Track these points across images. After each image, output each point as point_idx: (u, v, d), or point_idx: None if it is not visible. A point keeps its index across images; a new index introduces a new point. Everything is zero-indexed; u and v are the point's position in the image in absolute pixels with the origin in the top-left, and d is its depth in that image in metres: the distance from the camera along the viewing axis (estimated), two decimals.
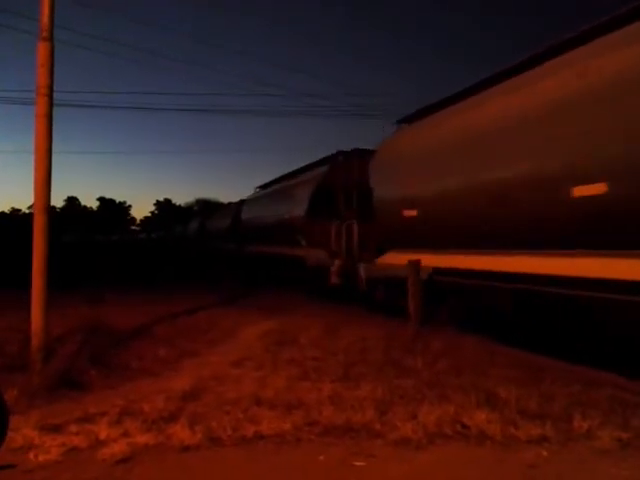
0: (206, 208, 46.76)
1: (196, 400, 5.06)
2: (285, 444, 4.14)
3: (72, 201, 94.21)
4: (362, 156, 13.98)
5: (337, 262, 13.59)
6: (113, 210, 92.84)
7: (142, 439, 4.13)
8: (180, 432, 4.23)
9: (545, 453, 4.02)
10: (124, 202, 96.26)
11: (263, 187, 25.30)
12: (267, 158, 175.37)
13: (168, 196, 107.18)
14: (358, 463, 3.88)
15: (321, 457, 3.96)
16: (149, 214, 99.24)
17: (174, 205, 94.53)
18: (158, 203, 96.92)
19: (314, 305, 12.44)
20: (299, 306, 11.88)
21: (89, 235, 74.55)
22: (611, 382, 5.93)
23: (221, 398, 5.09)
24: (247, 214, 24.71)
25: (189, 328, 9.09)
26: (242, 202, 27.45)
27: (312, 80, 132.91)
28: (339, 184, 14.49)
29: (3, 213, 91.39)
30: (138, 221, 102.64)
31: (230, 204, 32.87)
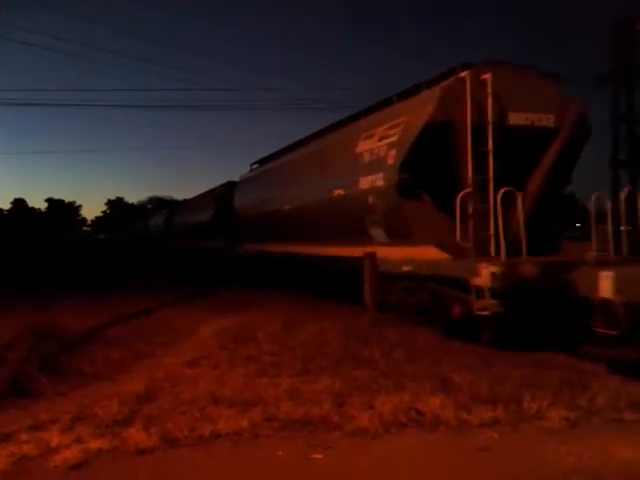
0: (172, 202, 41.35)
1: (151, 402, 4.98)
2: (243, 441, 4.13)
3: (19, 203, 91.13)
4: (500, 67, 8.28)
5: (487, 267, 7.01)
6: (62, 211, 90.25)
7: (95, 444, 4.05)
8: (135, 435, 4.16)
9: (496, 435, 4.15)
10: (74, 202, 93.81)
11: (264, 162, 18.06)
12: (222, 155, 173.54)
13: (120, 195, 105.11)
14: (316, 456, 3.90)
15: (279, 452, 3.97)
16: (101, 214, 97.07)
17: (127, 204, 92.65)
18: (110, 202, 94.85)
19: (274, 300, 12.39)
20: (258, 302, 11.82)
21: (36, 237, 71.76)
22: (560, 363, 6.16)
23: (177, 399, 5.03)
24: (245, 199, 18.12)
25: (144, 329, 8.94)
26: (232, 185, 20.99)
27: (264, 74, 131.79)
28: (461, 123, 7.94)
29: None
30: (89, 221, 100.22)
31: (213, 190, 24.43)
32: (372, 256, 9.43)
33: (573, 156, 8.57)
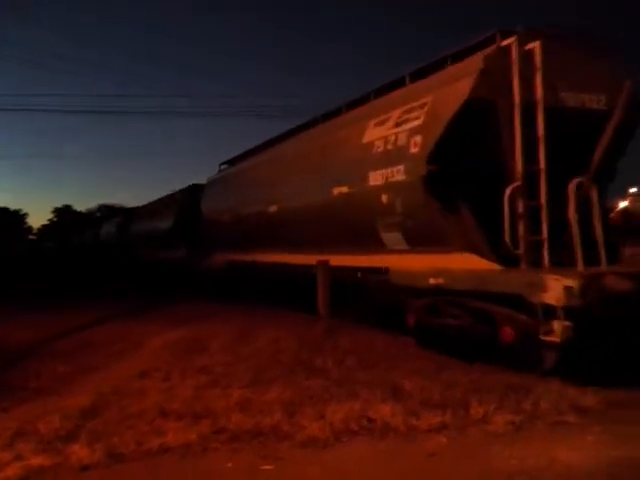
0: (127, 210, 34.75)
1: (97, 417, 4.84)
2: (191, 455, 4.06)
3: None
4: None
5: (558, 280, 5.57)
6: (7, 219, 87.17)
7: (37, 461, 3.90)
8: (79, 451, 4.04)
9: (444, 440, 4.21)
10: (19, 210, 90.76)
11: (237, 160, 16.09)
12: (172, 163, 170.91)
13: (68, 202, 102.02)
14: (266, 467, 3.87)
15: (229, 464, 3.92)
16: (47, 222, 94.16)
17: (75, 211, 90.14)
18: (57, 210, 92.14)
19: (229, 311, 12.25)
20: (215, 314, 11.67)
21: None
22: (508, 369, 6.29)
23: (124, 412, 4.91)
24: (215, 204, 16.14)
25: (93, 341, 8.70)
26: (197, 188, 18.71)
27: (213, 81, 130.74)
28: (504, 102, 6.61)
29: None
30: (35, 230, 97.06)
31: (173, 195, 22.17)
32: (325, 263, 9.49)
33: (622, 145, 7.22)
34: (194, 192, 18.62)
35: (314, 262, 9.53)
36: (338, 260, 9.26)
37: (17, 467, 3.81)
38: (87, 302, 14.08)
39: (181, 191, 20.92)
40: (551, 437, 4.21)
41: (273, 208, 11.84)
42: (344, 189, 8.99)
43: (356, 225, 8.85)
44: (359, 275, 9.07)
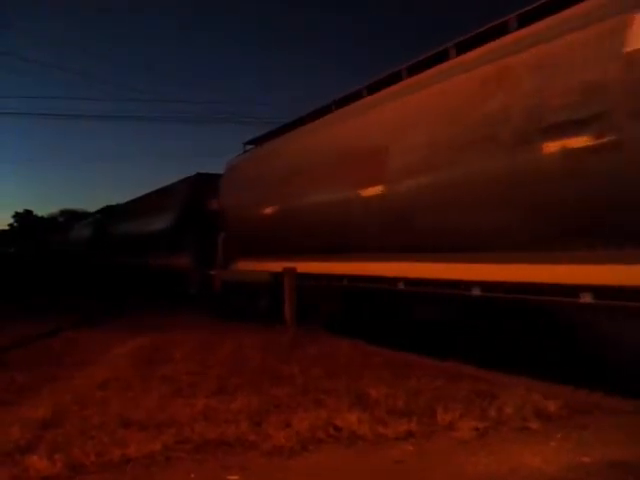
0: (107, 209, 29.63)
1: (57, 427, 4.70)
2: (154, 465, 3.96)
3: None
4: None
5: None
6: None
7: None
8: (38, 463, 3.90)
9: (411, 448, 4.22)
10: None
11: (277, 134, 12.21)
12: (134, 168, 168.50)
13: (28, 207, 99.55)
14: (231, 477, 3.81)
15: (192, 475, 3.84)
16: (7, 227, 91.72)
17: (36, 216, 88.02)
18: (17, 215, 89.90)
19: (193, 318, 12.10)
20: (177, 321, 11.50)
21: None
22: (472, 375, 6.37)
23: (85, 423, 4.78)
24: (242, 192, 12.37)
25: (50, 351, 8.47)
26: (203, 178, 15.40)
27: (176, 85, 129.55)
28: None
29: None
30: None
31: (173, 186, 17.91)
32: (291, 270, 9.47)
33: None
34: (201, 183, 15.19)
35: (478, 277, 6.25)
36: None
37: None
38: (49, 310, 13.72)
39: (184, 182, 16.69)
40: (515, 443, 4.25)
41: (376, 191, 7.93)
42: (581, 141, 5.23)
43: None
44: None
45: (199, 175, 15.95)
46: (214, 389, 5.85)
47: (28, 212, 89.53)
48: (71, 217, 60.06)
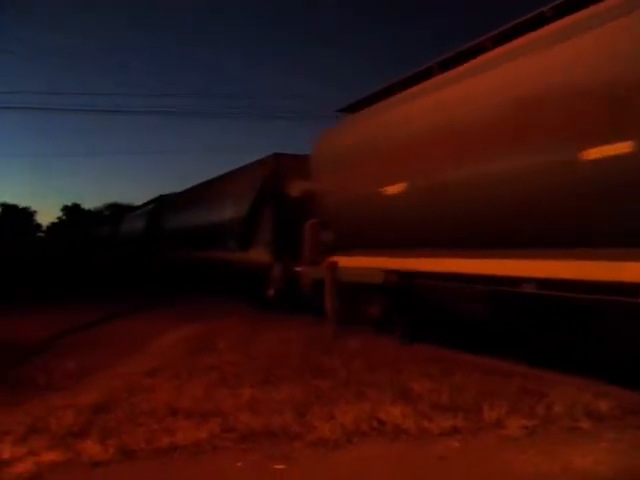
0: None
1: (108, 413, 4.84)
2: (201, 453, 4.04)
3: None
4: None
5: None
6: (16, 216, 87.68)
7: (49, 456, 3.92)
8: (90, 447, 4.04)
9: (456, 444, 4.17)
10: (28, 207, 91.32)
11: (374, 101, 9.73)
12: (178, 160, 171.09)
13: (76, 201, 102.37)
14: (277, 466, 3.85)
15: (239, 463, 3.90)
16: (56, 220, 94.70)
17: (83, 210, 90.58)
18: (66, 208, 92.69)
19: (236, 309, 12.25)
20: (216, 310, 11.67)
21: None
22: (520, 372, 6.25)
23: (134, 410, 4.91)
24: (349, 171, 9.77)
25: (100, 339, 8.73)
26: (279, 159, 13.34)
27: (223, 81, 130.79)
28: None
29: None
30: (44, 227, 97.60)
31: (245, 170, 15.13)
32: (333, 265, 9.46)
33: None
34: (280, 165, 12.87)
35: None
36: None
37: (30, 462, 3.82)
38: (97, 300, 14.09)
39: (260, 163, 13.95)
40: (565, 443, 4.16)
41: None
42: None
43: None
44: None
45: (277, 155, 13.22)
46: (258, 380, 5.92)
47: (76, 205, 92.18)
48: (117, 210, 61.49)
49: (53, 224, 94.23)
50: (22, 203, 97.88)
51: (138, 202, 47.06)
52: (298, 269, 11.28)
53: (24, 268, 28.00)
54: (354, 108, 10.45)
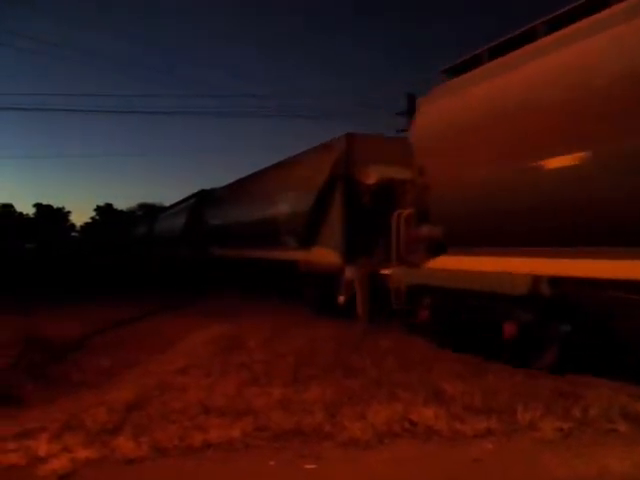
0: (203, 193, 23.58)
1: (141, 411, 4.90)
2: (234, 451, 4.07)
3: (6, 208, 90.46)
4: None
5: None
6: (50, 216, 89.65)
7: (84, 453, 3.98)
8: (124, 444, 4.09)
9: (490, 446, 4.12)
10: (62, 208, 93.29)
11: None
12: (209, 160, 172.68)
13: (109, 201, 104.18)
14: (309, 466, 3.86)
15: (271, 462, 3.91)
16: (90, 220, 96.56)
17: (116, 210, 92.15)
18: (99, 208, 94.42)
19: (262, 307, 12.28)
20: (247, 309, 11.72)
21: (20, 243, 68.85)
22: (553, 374, 6.13)
23: (167, 407, 4.96)
24: (453, 148, 7.68)
25: (132, 336, 8.85)
26: (353, 138, 11.17)
27: (248, 81, 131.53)
28: None
29: None
30: (78, 227, 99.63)
31: (309, 155, 13.27)
32: (365, 267, 9.45)
33: None
34: (353, 147, 10.86)
35: None
36: None
37: (65, 459, 3.89)
38: (122, 298, 14.22)
39: (328, 147, 11.79)
40: (602, 446, 4.07)
41: None
42: None
43: None
44: None
45: (350, 136, 11.04)
46: (289, 378, 5.93)
47: (108, 205, 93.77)
48: (150, 210, 62.32)
49: (87, 224, 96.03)
50: (56, 204, 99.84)
51: (168, 202, 47.22)
52: (385, 272, 9.13)
53: (60, 267, 28.48)
54: (460, 69, 8.14)
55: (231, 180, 20.11)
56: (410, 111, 12.59)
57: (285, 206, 13.35)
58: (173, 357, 7.34)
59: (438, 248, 7.88)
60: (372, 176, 10.43)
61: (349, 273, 9.93)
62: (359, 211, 10.39)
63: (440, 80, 8.44)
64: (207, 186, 25.16)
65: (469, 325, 7.33)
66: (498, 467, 3.81)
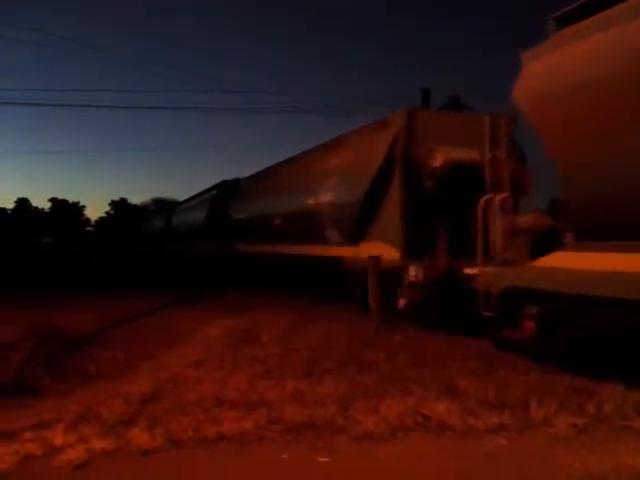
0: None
1: (155, 403, 4.96)
2: (247, 443, 4.10)
3: (22, 203, 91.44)
4: None
5: None
6: (66, 211, 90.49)
7: (99, 444, 4.04)
8: (139, 436, 4.15)
9: (503, 441, 4.11)
10: (78, 202, 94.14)
11: None
12: (220, 156, 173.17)
13: (123, 195, 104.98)
14: (322, 459, 3.88)
15: (284, 455, 3.94)
16: (104, 214, 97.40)
17: (130, 205, 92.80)
18: (113, 203, 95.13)
19: (278, 302, 12.28)
20: (263, 304, 11.74)
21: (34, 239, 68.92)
22: (564, 369, 6.09)
23: (181, 400, 5.01)
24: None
25: (147, 329, 8.92)
26: (413, 114, 9.35)
27: (263, 77, 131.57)
28: None
29: None
30: (93, 222, 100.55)
31: (357, 135, 11.32)
32: (376, 259, 9.42)
33: None
34: (416, 124, 9.25)
35: None
36: None
37: (81, 450, 3.95)
38: (134, 291, 14.29)
39: (385, 123, 10.05)
40: (616, 442, 4.05)
41: None
42: None
43: None
44: None
45: (411, 111, 9.48)
46: (302, 372, 5.95)
47: (123, 200, 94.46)
48: (163, 205, 62.67)
49: (101, 218, 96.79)
50: (71, 198, 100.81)
51: (181, 198, 46.74)
52: (472, 271, 7.70)
53: (76, 261, 28.72)
54: (575, 17, 6.40)
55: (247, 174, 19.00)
56: (425, 105, 11.68)
57: (328, 196, 11.38)
58: (187, 350, 7.40)
59: (548, 242, 6.50)
60: (438, 158, 8.91)
61: (414, 273, 8.42)
62: (422, 199, 8.87)
63: (551, 31, 6.61)
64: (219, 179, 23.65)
65: (602, 344, 5.76)
66: (511, 462, 3.80)
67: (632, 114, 5.40)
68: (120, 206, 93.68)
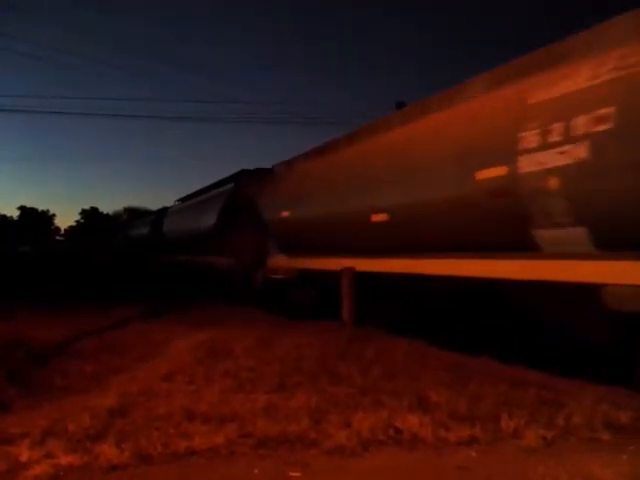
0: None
1: (124, 417, 4.86)
2: (218, 458, 4.05)
3: None
4: None
5: None
6: (35, 219, 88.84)
7: (67, 460, 3.94)
8: (107, 451, 4.06)
9: (474, 454, 4.13)
10: (47, 211, 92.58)
11: None
12: (193, 166, 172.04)
13: (94, 204, 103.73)
14: (293, 474, 3.84)
15: (256, 470, 3.90)
16: (74, 223, 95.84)
17: (101, 214, 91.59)
18: (84, 212, 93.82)
19: (249, 315, 12.22)
20: (233, 317, 11.66)
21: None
22: (536, 382, 6.17)
23: (151, 414, 4.92)
24: None
25: (116, 342, 8.77)
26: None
27: (235, 85, 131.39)
28: None
29: None
30: (62, 230, 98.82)
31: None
32: (350, 270, 9.48)
33: None
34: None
35: None
36: None
37: (47, 465, 3.85)
38: (112, 304, 14.07)
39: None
40: (585, 454, 4.10)
41: None
42: None
43: None
44: None
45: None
46: (274, 385, 5.90)
47: (94, 209, 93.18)
48: (134, 215, 61.98)
49: (71, 227, 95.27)
50: (40, 206, 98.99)
51: (153, 208, 45.26)
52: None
53: (54, 269, 28.02)
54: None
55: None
56: None
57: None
58: (158, 363, 7.28)
59: None
60: None
61: None
62: None
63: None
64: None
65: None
66: (483, 475, 3.82)
67: None
68: (91, 215, 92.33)
